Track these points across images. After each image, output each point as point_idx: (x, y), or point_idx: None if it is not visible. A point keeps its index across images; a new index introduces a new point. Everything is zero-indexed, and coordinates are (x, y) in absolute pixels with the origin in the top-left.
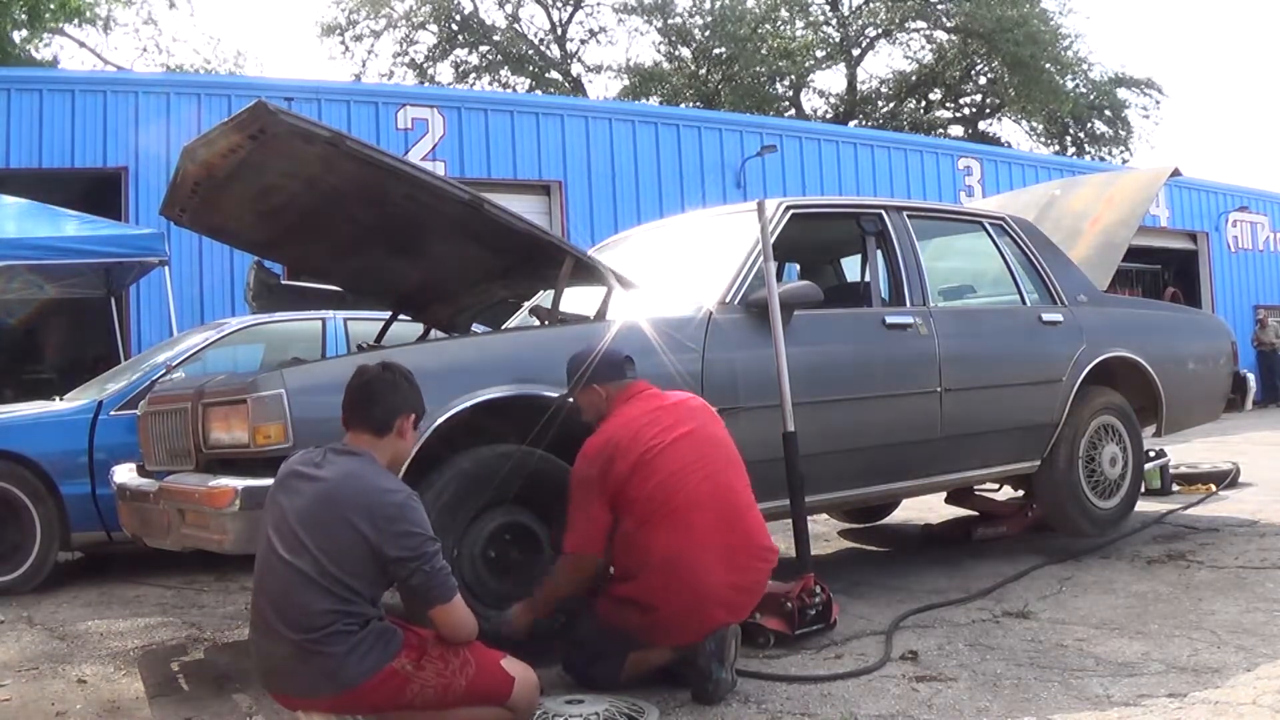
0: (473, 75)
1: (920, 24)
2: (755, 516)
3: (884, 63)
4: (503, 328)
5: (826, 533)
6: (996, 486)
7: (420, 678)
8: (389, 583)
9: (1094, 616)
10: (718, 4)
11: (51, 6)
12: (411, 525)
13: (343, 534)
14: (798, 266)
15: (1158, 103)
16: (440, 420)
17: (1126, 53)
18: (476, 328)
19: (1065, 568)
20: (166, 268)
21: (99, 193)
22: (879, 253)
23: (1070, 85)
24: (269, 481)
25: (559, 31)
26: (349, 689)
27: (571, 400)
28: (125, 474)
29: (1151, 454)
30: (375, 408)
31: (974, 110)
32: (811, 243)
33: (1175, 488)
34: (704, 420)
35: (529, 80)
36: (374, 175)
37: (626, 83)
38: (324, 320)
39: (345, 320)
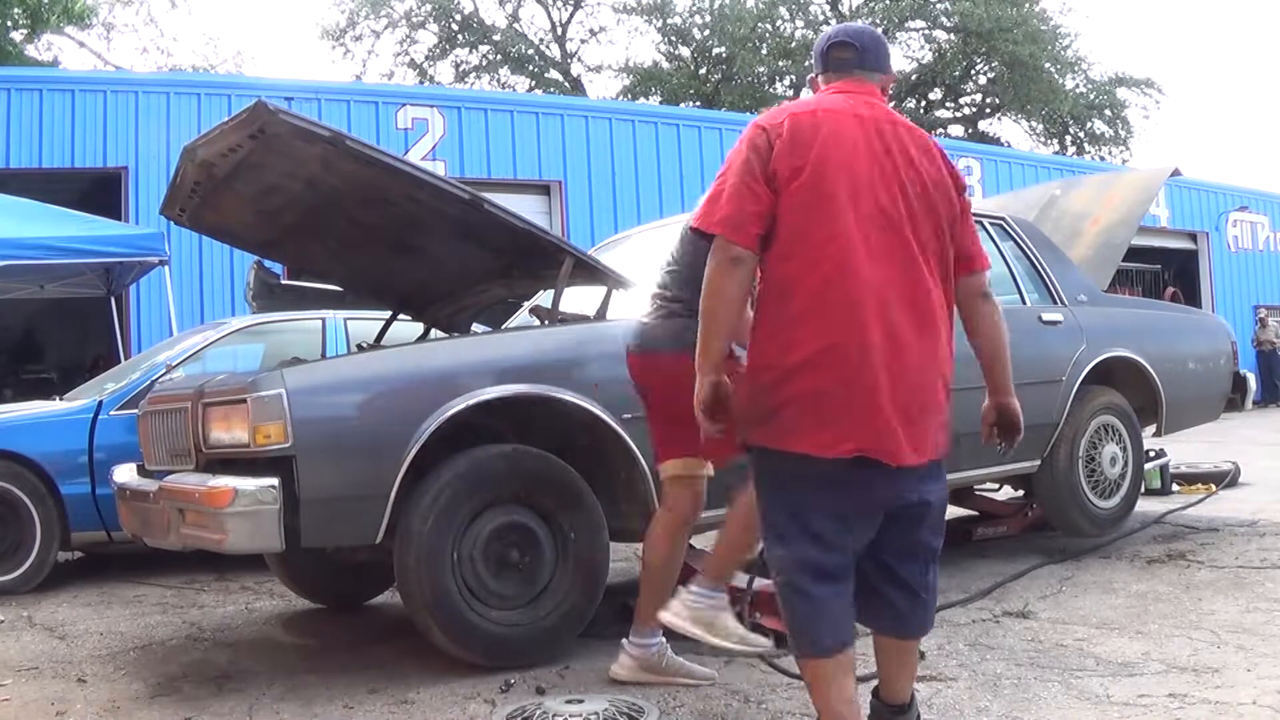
0: (473, 75)
1: (919, 23)
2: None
3: None
4: (503, 328)
5: None
6: (996, 486)
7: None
8: None
9: (1094, 616)
10: (717, 4)
11: (55, 9)
12: None
13: None
14: None
15: (1158, 103)
16: (440, 420)
17: (1126, 53)
18: (476, 328)
19: (1065, 568)
20: (166, 268)
21: (99, 193)
22: None
23: (1070, 85)
24: (269, 481)
25: (559, 31)
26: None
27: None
28: (125, 474)
29: (1151, 454)
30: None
31: (974, 110)
32: None
33: (1175, 488)
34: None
35: (529, 80)
36: (374, 175)
37: (626, 83)
38: (324, 320)
39: (345, 320)
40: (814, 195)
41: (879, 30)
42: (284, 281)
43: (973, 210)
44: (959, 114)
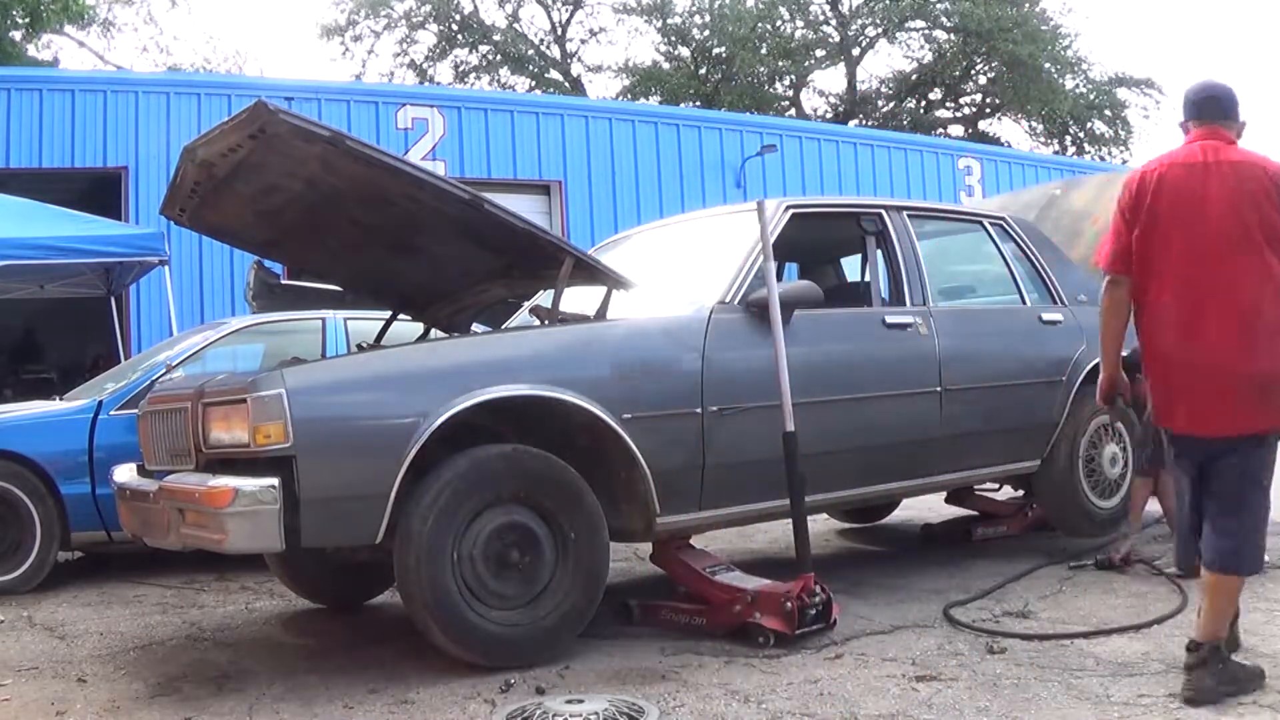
0: (473, 75)
1: (919, 23)
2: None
3: (884, 62)
4: (503, 328)
5: (826, 533)
6: (996, 486)
7: None
8: None
9: (1094, 617)
10: (717, 4)
11: (54, 8)
12: None
13: None
14: (797, 266)
15: (1158, 103)
16: (441, 420)
17: (1126, 53)
18: (476, 328)
19: (1065, 568)
20: (166, 268)
21: (99, 193)
22: (879, 253)
23: (1070, 85)
24: (269, 481)
25: (559, 31)
26: None
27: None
28: (125, 474)
29: None
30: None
31: (974, 110)
32: (811, 243)
33: None
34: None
35: (529, 80)
36: (374, 175)
37: (626, 83)
38: (324, 320)
39: (345, 320)
40: (1149, 236)
41: (1217, 86)
42: (284, 281)
43: (973, 210)
44: (959, 114)
